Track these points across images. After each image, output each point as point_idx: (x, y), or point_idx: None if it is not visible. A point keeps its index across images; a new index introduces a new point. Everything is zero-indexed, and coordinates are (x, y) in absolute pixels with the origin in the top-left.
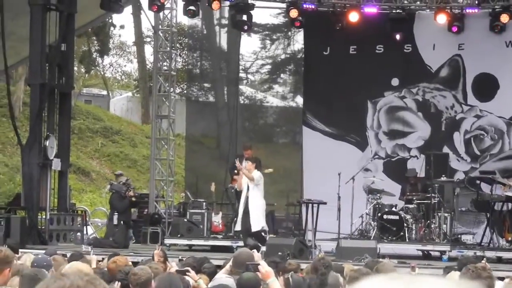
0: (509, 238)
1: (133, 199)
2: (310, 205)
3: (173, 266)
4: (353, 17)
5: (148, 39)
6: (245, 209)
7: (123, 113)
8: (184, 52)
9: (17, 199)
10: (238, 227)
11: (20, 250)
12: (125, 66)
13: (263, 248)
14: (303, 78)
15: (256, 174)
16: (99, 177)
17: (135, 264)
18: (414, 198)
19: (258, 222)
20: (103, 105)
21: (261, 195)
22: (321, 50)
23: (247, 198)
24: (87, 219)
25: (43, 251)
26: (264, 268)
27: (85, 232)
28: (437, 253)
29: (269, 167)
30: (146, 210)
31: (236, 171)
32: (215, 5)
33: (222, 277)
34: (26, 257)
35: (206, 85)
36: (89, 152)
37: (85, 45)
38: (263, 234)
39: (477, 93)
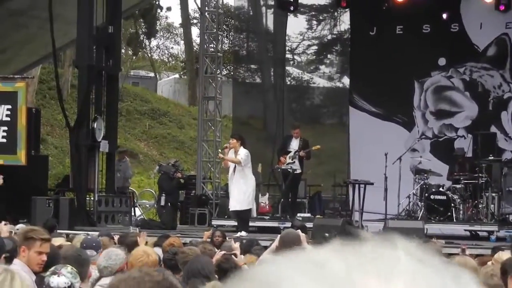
0: None
1: (181, 180)
2: (357, 185)
3: (226, 248)
4: None
5: (195, 21)
6: (233, 188)
7: (170, 95)
8: (230, 34)
9: (65, 181)
10: (231, 206)
11: (67, 231)
12: (172, 48)
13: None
14: (349, 59)
15: (242, 152)
16: (146, 159)
17: (183, 245)
18: (462, 178)
19: (244, 202)
20: (150, 87)
21: (250, 173)
22: (368, 30)
23: (235, 176)
24: (135, 200)
25: (96, 233)
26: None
27: (133, 214)
28: (485, 233)
29: (317, 145)
30: (193, 191)
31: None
32: None
33: (267, 257)
34: (77, 239)
35: (252, 66)
36: (137, 134)
37: (132, 27)
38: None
39: None
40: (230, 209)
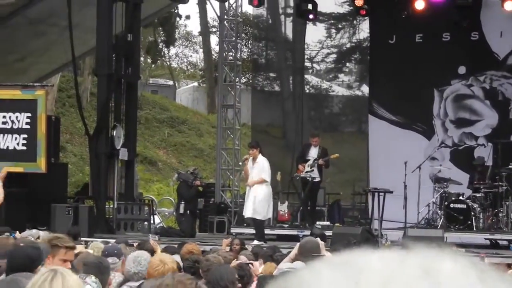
0: None
1: (200, 188)
2: (376, 194)
3: (241, 258)
4: (419, 4)
5: (214, 29)
6: (251, 196)
7: (189, 103)
8: (249, 42)
9: (85, 189)
10: (245, 213)
11: (87, 239)
12: (191, 56)
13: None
14: (369, 67)
15: (263, 161)
16: (165, 167)
17: (201, 253)
18: (482, 187)
19: (260, 212)
20: (169, 95)
21: (268, 183)
22: (387, 39)
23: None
24: (154, 208)
25: (113, 240)
26: None
27: (152, 221)
28: (505, 242)
29: (335, 153)
30: (212, 199)
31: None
32: None
33: (285, 265)
34: (94, 246)
35: (271, 74)
36: (156, 142)
37: (151, 35)
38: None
39: None
40: (245, 215)
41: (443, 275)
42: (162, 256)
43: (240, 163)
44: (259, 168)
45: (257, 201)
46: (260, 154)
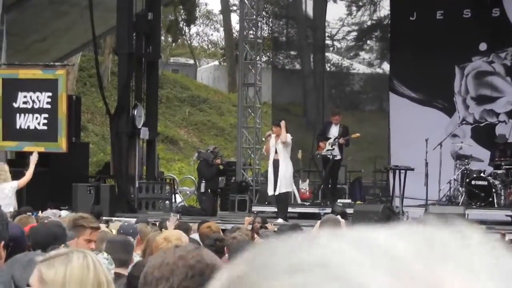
0: None
1: (221, 167)
2: (397, 171)
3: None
4: None
5: (234, 8)
6: (275, 172)
7: (210, 81)
8: (270, 20)
9: (106, 168)
10: (271, 191)
11: (109, 217)
12: (211, 35)
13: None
14: (389, 44)
15: (288, 137)
16: (187, 146)
17: (223, 231)
18: (503, 164)
19: (286, 185)
20: (190, 74)
21: (289, 158)
22: (408, 16)
23: (277, 161)
24: (176, 187)
25: (134, 219)
26: None
27: (173, 200)
28: None
29: (356, 133)
30: (233, 178)
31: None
32: None
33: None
34: (113, 226)
35: (292, 52)
36: (177, 121)
37: (172, 14)
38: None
39: None
40: (270, 194)
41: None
42: (167, 233)
43: (264, 139)
44: (285, 144)
45: (282, 176)
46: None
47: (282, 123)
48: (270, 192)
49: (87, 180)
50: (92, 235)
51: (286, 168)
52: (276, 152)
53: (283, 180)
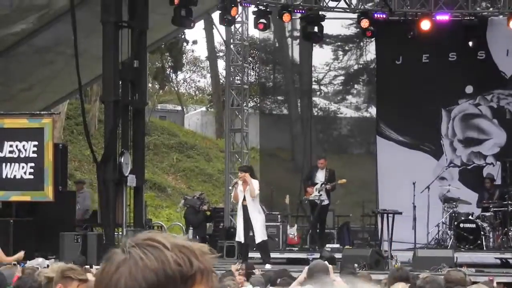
0: None
1: (208, 213)
2: (385, 215)
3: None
4: (425, 25)
5: (221, 54)
6: (245, 218)
7: (197, 127)
8: (256, 66)
9: (94, 216)
10: (240, 238)
11: (96, 267)
12: (198, 81)
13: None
14: (376, 88)
15: (256, 184)
16: (175, 193)
17: None
18: (491, 206)
19: (262, 233)
20: (177, 120)
21: (259, 205)
22: (394, 59)
23: (245, 207)
24: None
25: None
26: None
27: None
28: None
29: (343, 178)
30: (221, 224)
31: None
32: (285, 17)
33: None
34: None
35: (279, 97)
36: (165, 167)
37: (159, 61)
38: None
39: None
40: (237, 240)
41: None
42: None
43: (230, 187)
44: (252, 190)
45: (259, 224)
46: (252, 178)
47: (247, 176)
48: (239, 238)
49: (74, 229)
50: None
51: (258, 217)
52: (244, 199)
53: (259, 230)
